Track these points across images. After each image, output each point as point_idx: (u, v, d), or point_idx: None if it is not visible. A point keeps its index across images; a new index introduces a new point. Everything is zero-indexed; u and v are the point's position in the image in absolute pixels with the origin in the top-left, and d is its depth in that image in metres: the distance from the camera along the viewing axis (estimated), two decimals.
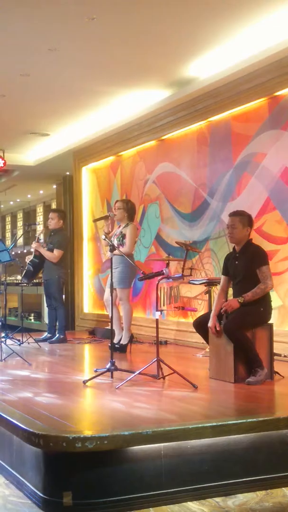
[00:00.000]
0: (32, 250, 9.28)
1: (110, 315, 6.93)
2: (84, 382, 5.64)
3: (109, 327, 7.44)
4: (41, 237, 9.35)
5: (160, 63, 7.66)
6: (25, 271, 9.11)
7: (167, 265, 7.99)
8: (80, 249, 12.01)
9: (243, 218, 5.89)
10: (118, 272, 7.59)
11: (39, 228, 18.49)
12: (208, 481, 3.99)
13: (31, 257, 9.13)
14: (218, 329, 5.75)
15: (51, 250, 8.99)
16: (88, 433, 3.87)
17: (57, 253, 8.98)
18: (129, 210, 7.96)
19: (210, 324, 5.83)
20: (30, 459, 4.03)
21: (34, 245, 9.14)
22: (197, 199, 8.68)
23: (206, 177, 8.52)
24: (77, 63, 7.67)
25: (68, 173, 13.40)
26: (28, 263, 9.04)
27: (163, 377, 5.68)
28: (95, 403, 5.21)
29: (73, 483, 3.76)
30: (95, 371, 5.95)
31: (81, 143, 11.27)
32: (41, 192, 17.98)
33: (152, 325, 7.18)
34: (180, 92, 8.50)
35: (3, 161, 11.86)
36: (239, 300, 5.63)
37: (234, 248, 6.02)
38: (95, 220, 9.64)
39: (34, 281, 11.24)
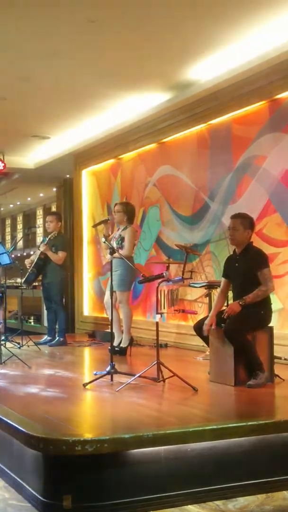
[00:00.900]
0: (32, 253, 9.25)
1: (110, 318, 6.93)
2: (84, 385, 5.62)
3: (109, 330, 7.43)
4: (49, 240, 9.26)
5: (161, 66, 7.66)
6: (28, 274, 9.08)
7: (167, 268, 7.97)
8: (80, 252, 12.01)
9: (244, 221, 5.89)
10: (118, 275, 7.58)
11: (39, 231, 18.51)
12: (209, 484, 3.98)
13: (33, 259, 9.07)
14: (213, 327, 5.75)
15: (54, 253, 8.99)
16: (88, 436, 3.86)
17: (61, 254, 9.02)
18: (129, 213, 7.95)
19: (207, 321, 5.84)
20: (30, 462, 4.02)
21: (43, 247, 9.08)
22: (198, 202, 8.67)
23: (207, 180, 8.52)
24: (77, 66, 7.67)
25: (68, 176, 13.39)
26: (33, 267, 8.99)
27: (163, 380, 5.67)
28: (95, 406, 5.21)
29: (73, 486, 3.75)
30: (95, 374, 5.94)
31: (81, 146, 11.26)
32: (41, 195, 17.98)
33: (152, 328, 7.16)
34: (180, 95, 8.50)
35: (3, 164, 11.86)
36: (240, 303, 5.62)
37: (234, 251, 6.02)
38: (94, 226, 9.65)
39: (34, 284, 11.23)
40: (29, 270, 9.04)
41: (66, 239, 9.83)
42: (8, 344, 8.10)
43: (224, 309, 5.93)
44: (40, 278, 9.45)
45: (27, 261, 9.19)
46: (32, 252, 9.39)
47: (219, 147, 8.30)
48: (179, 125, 8.96)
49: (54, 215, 9.55)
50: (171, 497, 3.86)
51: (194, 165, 8.78)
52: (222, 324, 5.74)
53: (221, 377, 5.75)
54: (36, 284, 11.10)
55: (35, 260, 9.02)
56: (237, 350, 5.59)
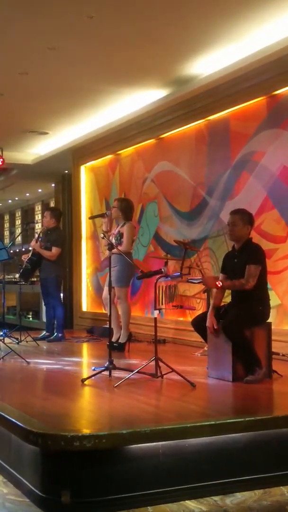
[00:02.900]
0: (30, 248, 9.26)
1: (108, 314, 6.93)
2: (82, 380, 5.63)
3: (107, 326, 7.44)
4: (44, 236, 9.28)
5: (159, 61, 7.65)
6: (22, 269, 9.09)
7: (166, 263, 7.98)
8: (79, 248, 12.01)
9: (243, 216, 5.90)
10: (116, 271, 7.58)
11: (38, 226, 18.51)
12: (206, 479, 3.99)
13: (29, 255, 9.08)
14: (216, 327, 5.76)
15: (49, 249, 8.97)
16: (86, 431, 3.87)
17: (55, 251, 8.96)
18: (123, 208, 7.93)
19: (208, 323, 5.83)
20: (28, 458, 4.03)
21: (33, 243, 9.10)
22: (196, 198, 8.68)
23: (205, 176, 8.52)
24: (76, 62, 7.66)
25: (66, 171, 13.39)
26: (27, 262, 9.00)
27: (162, 376, 5.68)
28: (93, 402, 5.21)
29: (71, 482, 3.76)
30: (93, 369, 5.95)
31: (80, 141, 11.26)
32: (40, 190, 17.98)
33: (150, 323, 7.18)
34: (178, 91, 8.49)
35: (1, 159, 11.83)
36: (218, 284, 5.80)
37: (233, 247, 6.03)
38: (91, 218, 9.66)
39: (31, 279, 11.23)
40: (23, 265, 9.04)
41: (62, 235, 9.79)
42: (7, 340, 8.11)
43: (223, 305, 5.95)
44: (37, 273, 9.46)
45: (24, 256, 9.20)
46: (30, 248, 9.37)
47: (217, 143, 8.30)
48: (177, 121, 8.95)
49: (49, 211, 9.52)
50: (169, 493, 3.87)
51: (192, 161, 8.77)
52: (221, 320, 5.75)
53: (219, 373, 5.76)
54: (34, 279, 11.13)
55: (30, 256, 9.02)
56: (235, 346, 5.60)
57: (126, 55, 7.43)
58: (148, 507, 3.76)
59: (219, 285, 5.78)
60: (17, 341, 8.54)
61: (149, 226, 9.77)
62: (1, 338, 8.07)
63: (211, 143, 8.44)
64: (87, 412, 4.78)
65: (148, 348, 7.95)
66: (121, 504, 3.75)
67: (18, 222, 21.67)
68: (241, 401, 5.16)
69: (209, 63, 7.58)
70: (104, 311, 9.87)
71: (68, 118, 10.27)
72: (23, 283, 10.06)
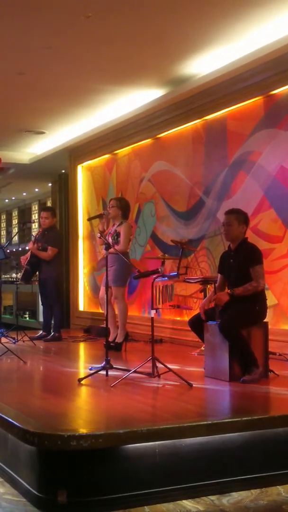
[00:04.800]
0: (27, 248, 9.26)
1: (105, 313, 6.93)
2: (79, 380, 5.63)
3: (104, 325, 7.44)
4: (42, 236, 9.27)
5: (156, 61, 7.66)
6: (23, 272, 9.08)
7: (163, 263, 7.97)
8: (76, 247, 12.00)
9: (239, 216, 5.91)
10: (113, 271, 7.58)
11: (35, 226, 18.49)
12: (203, 479, 3.99)
13: (27, 257, 9.07)
14: (206, 308, 5.81)
15: (46, 249, 8.97)
16: (83, 431, 3.87)
17: (50, 251, 8.97)
18: (123, 208, 7.96)
19: (200, 305, 5.87)
20: (25, 457, 4.03)
21: (30, 245, 9.10)
22: (193, 197, 8.68)
23: (202, 176, 8.52)
24: (72, 61, 7.65)
25: (63, 171, 13.38)
26: (26, 265, 9.00)
27: (158, 375, 5.69)
28: (90, 402, 5.21)
29: (67, 481, 3.76)
30: (90, 369, 5.95)
31: (76, 141, 11.25)
32: (37, 190, 17.95)
33: (147, 323, 7.18)
34: (175, 91, 8.49)
35: None
36: (229, 292, 5.64)
37: (229, 246, 6.03)
38: (89, 219, 9.68)
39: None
40: (23, 268, 9.05)
41: (59, 235, 9.81)
42: (3, 339, 8.10)
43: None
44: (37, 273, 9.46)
45: (22, 258, 9.19)
46: (27, 248, 9.37)
47: (214, 142, 8.30)
48: (174, 121, 8.95)
49: (50, 211, 9.53)
50: (166, 492, 3.87)
51: (189, 161, 8.78)
52: (218, 320, 5.76)
53: (216, 373, 5.76)
54: (32, 279, 11.13)
55: (29, 258, 9.02)
56: (232, 346, 5.61)
57: (123, 55, 7.43)
58: (145, 506, 3.76)
59: (230, 292, 5.67)
60: (13, 341, 8.54)
61: (146, 226, 9.77)
62: None
63: (208, 143, 8.44)
64: (84, 412, 4.78)
65: (145, 347, 7.96)
66: (118, 504, 3.75)
67: (15, 221, 21.61)
68: (238, 400, 5.16)
69: (206, 63, 7.59)
70: (101, 311, 9.86)
71: (64, 118, 10.27)
72: (22, 283, 10.06)
